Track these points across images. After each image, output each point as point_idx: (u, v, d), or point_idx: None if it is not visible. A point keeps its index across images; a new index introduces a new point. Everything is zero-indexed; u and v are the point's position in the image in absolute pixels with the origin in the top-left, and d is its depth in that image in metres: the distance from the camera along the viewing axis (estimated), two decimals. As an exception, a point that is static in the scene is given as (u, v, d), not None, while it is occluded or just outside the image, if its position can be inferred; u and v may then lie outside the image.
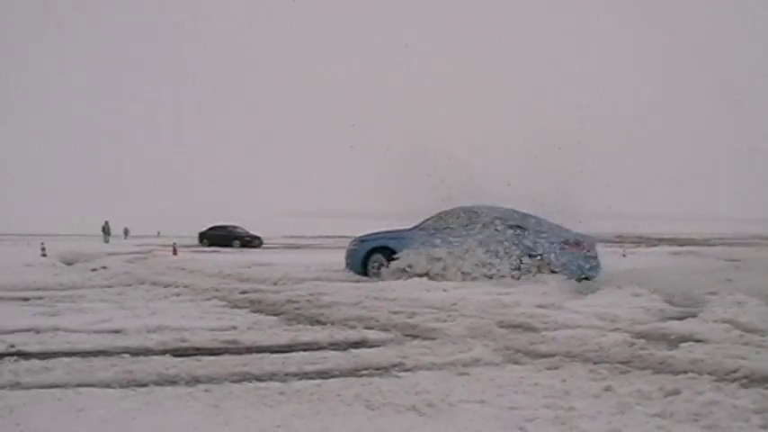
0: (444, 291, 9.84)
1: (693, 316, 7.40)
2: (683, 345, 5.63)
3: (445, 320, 6.89)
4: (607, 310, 7.58)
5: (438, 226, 13.37)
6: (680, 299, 9.03)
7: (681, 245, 29.30)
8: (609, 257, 14.04)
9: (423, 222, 13.63)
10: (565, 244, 12.39)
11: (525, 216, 13.09)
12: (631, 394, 4.09)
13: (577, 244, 12.52)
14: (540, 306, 8.05)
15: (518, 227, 12.64)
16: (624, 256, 20.80)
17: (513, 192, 13.38)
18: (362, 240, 14.04)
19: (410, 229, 13.61)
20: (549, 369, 4.83)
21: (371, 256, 13.43)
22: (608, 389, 4.19)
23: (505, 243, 12.30)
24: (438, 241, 12.86)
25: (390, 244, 13.37)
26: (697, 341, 5.81)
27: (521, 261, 12.05)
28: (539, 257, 12.12)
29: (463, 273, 12.06)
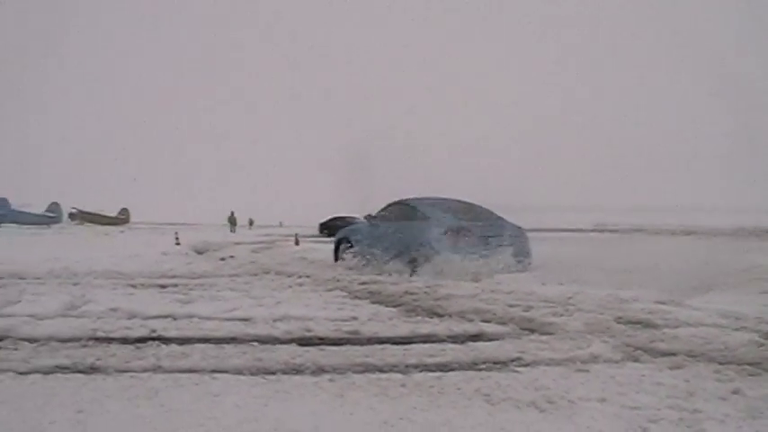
0: (560, 284, 9.75)
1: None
2: (817, 347, 5.39)
3: (562, 315, 6.85)
4: (731, 308, 7.28)
5: (379, 218, 13.63)
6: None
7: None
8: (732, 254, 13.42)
9: (375, 213, 13.91)
10: (448, 232, 11.44)
11: (426, 204, 12.87)
12: (763, 398, 3.98)
13: (465, 233, 11.46)
14: (659, 302, 7.84)
15: (425, 217, 12.28)
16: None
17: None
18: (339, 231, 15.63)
19: (363, 221, 14.29)
20: (671, 368, 4.75)
21: (341, 244, 14.57)
22: (736, 391, 4.09)
23: (401, 236, 12.26)
24: (362, 235, 13.70)
25: (344, 234, 14.86)
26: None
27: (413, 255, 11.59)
28: (422, 248, 11.48)
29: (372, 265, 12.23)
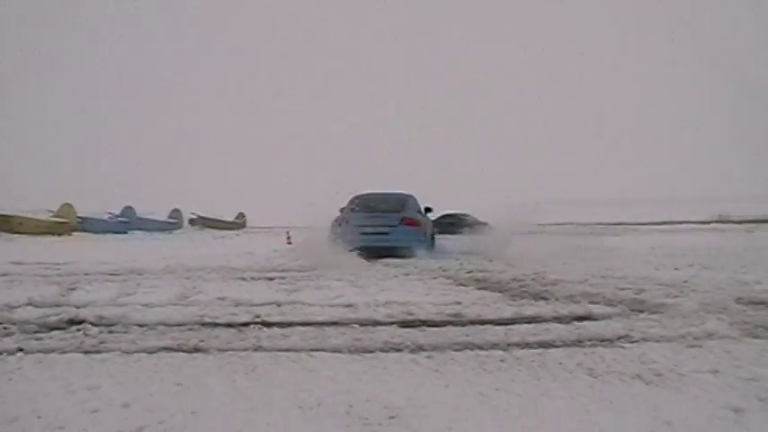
0: (676, 269, 9.37)
1: None
2: None
3: (676, 296, 6.54)
4: None
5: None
6: None
7: None
8: None
9: None
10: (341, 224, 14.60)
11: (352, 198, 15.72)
12: None
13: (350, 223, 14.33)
14: (786, 283, 7.41)
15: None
16: None
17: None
18: None
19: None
20: (796, 343, 4.45)
21: None
22: None
23: None
24: None
25: None
26: None
27: None
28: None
29: None
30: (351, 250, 13.26)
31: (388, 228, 14.19)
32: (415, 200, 15.80)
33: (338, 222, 14.61)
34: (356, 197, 15.64)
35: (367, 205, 15.07)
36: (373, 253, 13.63)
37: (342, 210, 15.45)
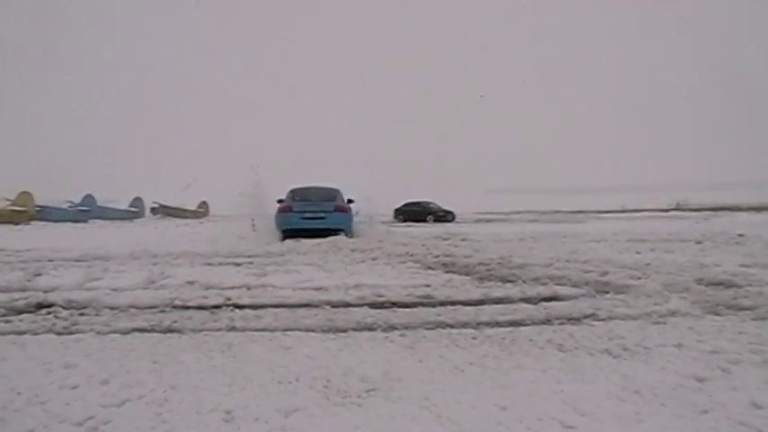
0: (637, 253, 9.56)
1: None
2: None
3: (639, 278, 6.71)
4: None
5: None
6: None
7: None
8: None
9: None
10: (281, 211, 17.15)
11: (290, 191, 18.23)
12: None
13: (290, 210, 16.93)
14: (743, 265, 7.63)
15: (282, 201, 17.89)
16: None
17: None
18: None
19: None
20: (754, 319, 4.62)
21: None
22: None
23: None
24: None
25: None
26: None
27: None
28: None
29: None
30: (294, 232, 16.40)
31: (324, 213, 17.05)
32: (341, 192, 18.68)
33: (282, 210, 17.21)
34: (294, 190, 18.47)
35: (305, 196, 17.91)
36: (312, 234, 16.19)
37: (280, 200, 17.96)
